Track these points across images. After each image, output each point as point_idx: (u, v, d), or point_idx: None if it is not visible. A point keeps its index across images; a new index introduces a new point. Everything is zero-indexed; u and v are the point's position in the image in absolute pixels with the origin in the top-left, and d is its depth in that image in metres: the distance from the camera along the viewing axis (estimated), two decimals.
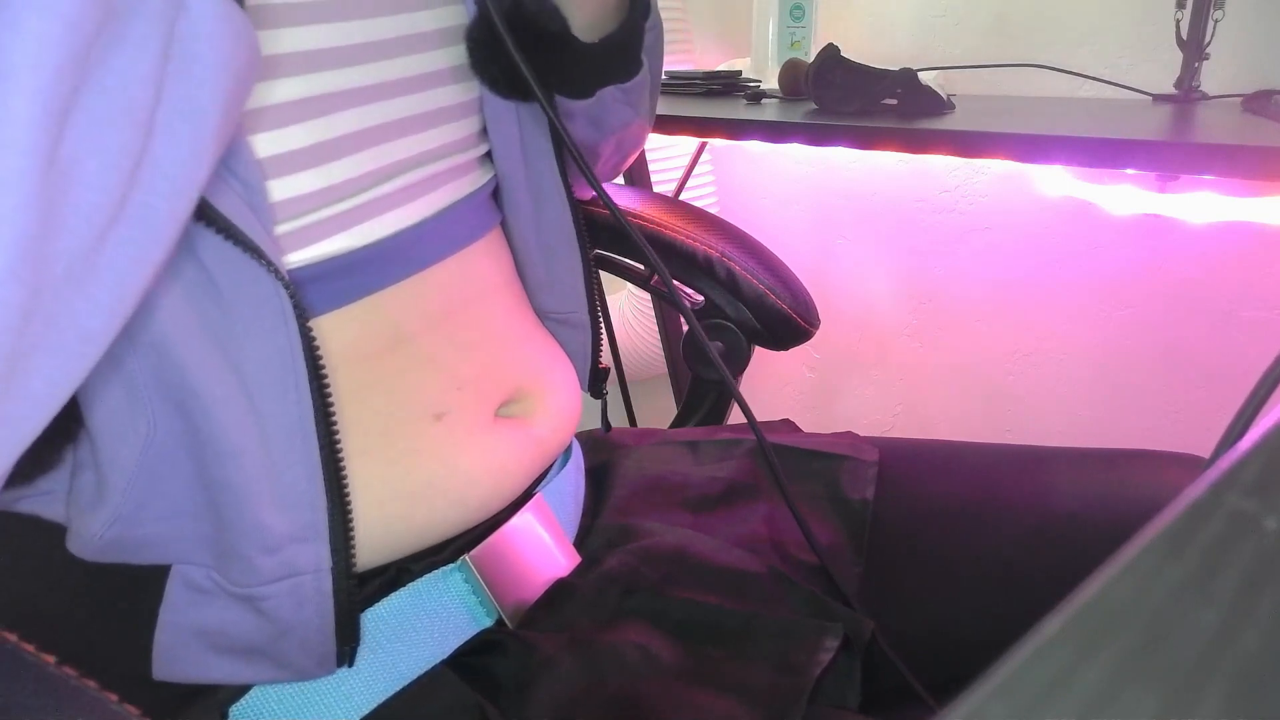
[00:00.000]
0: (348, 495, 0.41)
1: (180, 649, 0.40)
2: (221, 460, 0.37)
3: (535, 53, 0.49)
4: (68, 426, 0.37)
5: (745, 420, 0.55)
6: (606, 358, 0.62)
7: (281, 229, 0.41)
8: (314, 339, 0.39)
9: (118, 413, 0.37)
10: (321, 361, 0.39)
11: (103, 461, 0.37)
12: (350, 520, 0.41)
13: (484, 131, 0.53)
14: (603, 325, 0.60)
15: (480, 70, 0.49)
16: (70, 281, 0.28)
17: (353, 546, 0.41)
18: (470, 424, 0.47)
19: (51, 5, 0.26)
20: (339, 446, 0.40)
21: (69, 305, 0.28)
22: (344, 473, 0.40)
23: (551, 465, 0.55)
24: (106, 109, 0.28)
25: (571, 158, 0.51)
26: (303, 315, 0.38)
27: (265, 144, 0.40)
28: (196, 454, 0.37)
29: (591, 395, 0.62)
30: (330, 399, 0.40)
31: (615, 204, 0.50)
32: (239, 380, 0.37)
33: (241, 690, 0.42)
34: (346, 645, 0.41)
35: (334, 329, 0.43)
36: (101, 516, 0.38)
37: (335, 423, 0.40)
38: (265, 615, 0.39)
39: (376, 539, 0.43)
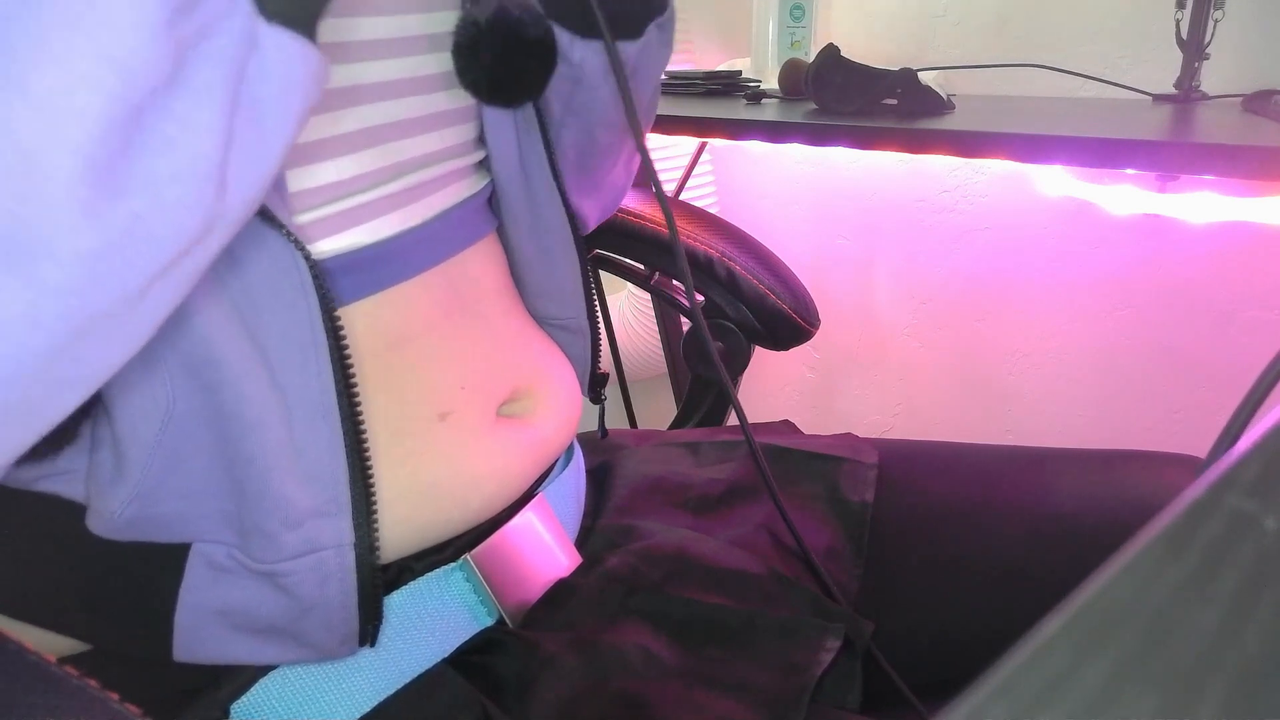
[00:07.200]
0: (370, 470, 0.41)
1: (201, 629, 0.40)
2: (243, 433, 0.37)
3: (520, 57, 0.48)
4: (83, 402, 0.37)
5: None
6: (606, 363, 0.62)
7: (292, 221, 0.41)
8: (335, 311, 0.39)
9: (136, 387, 0.36)
10: (343, 332, 0.39)
11: (121, 437, 0.37)
12: (373, 496, 0.41)
13: (480, 139, 0.53)
14: (602, 331, 0.60)
15: (463, 76, 0.49)
16: (109, 327, 0.28)
17: (375, 523, 0.41)
18: (475, 423, 0.47)
19: (113, 55, 0.25)
20: (361, 420, 0.40)
21: (104, 346, 0.29)
22: (366, 448, 0.40)
23: (554, 465, 0.55)
24: (170, 164, 0.27)
25: (626, 114, 0.49)
26: (322, 285, 0.38)
27: None
28: (217, 427, 0.37)
29: (591, 400, 0.62)
30: (352, 371, 0.40)
31: (666, 203, 0.50)
32: (259, 352, 0.37)
33: (244, 687, 0.42)
34: (370, 623, 0.41)
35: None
36: (121, 494, 0.38)
37: (358, 396, 0.40)
38: (287, 592, 0.39)
39: (382, 540, 0.43)
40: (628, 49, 0.51)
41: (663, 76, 0.59)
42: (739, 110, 1.02)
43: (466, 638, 0.47)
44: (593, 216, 0.61)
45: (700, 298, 0.81)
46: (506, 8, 0.48)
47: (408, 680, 0.44)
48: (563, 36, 0.50)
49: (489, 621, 0.47)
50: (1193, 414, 1.23)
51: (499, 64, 0.48)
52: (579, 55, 0.51)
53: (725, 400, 0.86)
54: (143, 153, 0.27)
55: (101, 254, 0.26)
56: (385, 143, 0.45)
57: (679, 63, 1.40)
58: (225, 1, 0.28)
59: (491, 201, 0.55)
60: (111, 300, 0.28)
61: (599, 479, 0.63)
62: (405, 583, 0.45)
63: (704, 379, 0.88)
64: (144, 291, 0.29)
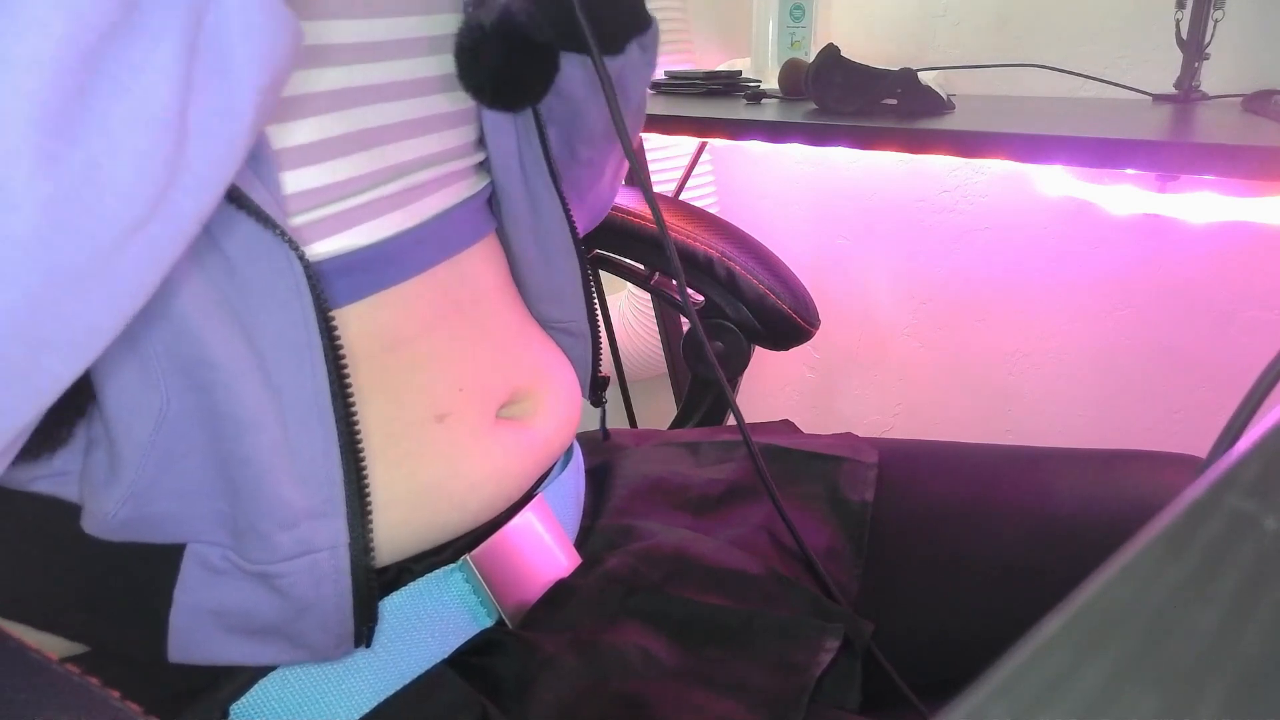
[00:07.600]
0: (365, 472, 0.41)
1: (195, 630, 0.40)
2: (238, 434, 0.37)
3: (523, 60, 0.49)
4: (78, 402, 0.37)
5: (746, 421, 0.55)
6: (607, 366, 0.62)
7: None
8: (330, 312, 0.39)
9: (131, 388, 0.36)
10: (338, 333, 0.39)
11: (116, 438, 0.37)
12: (368, 498, 0.41)
13: (479, 141, 0.53)
14: (603, 334, 0.60)
15: (465, 79, 0.49)
16: (84, 282, 0.28)
17: (370, 524, 0.41)
18: (473, 425, 0.47)
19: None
20: (356, 422, 0.40)
21: (83, 304, 0.28)
22: (361, 449, 0.40)
23: (553, 466, 0.55)
24: (125, 109, 0.27)
25: (614, 125, 0.49)
26: (316, 285, 0.38)
27: (275, 137, 0.40)
28: (212, 428, 0.37)
29: (592, 403, 0.62)
30: (347, 372, 0.40)
31: (656, 202, 0.50)
32: (254, 353, 0.37)
33: (243, 688, 0.42)
34: (365, 625, 0.41)
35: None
36: (115, 494, 0.38)
37: (352, 397, 0.40)
38: (282, 594, 0.39)
39: (379, 542, 0.43)
40: (609, 64, 0.51)
41: (649, 91, 0.59)
42: (739, 110, 1.02)
43: (466, 639, 0.46)
44: (580, 225, 0.61)
45: (700, 298, 0.81)
46: (512, 11, 0.48)
47: (407, 681, 0.44)
48: None
49: (488, 622, 0.47)
50: (1193, 414, 1.22)
51: (503, 68, 0.48)
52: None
53: (724, 400, 0.86)
54: (96, 97, 0.27)
55: (61, 200, 0.26)
56: (382, 145, 0.45)
57: (679, 63, 1.40)
58: None
59: (491, 202, 0.55)
60: (83, 253, 0.28)
61: (598, 479, 0.63)
62: (404, 584, 0.45)
63: (704, 379, 0.88)
64: (119, 246, 0.28)
